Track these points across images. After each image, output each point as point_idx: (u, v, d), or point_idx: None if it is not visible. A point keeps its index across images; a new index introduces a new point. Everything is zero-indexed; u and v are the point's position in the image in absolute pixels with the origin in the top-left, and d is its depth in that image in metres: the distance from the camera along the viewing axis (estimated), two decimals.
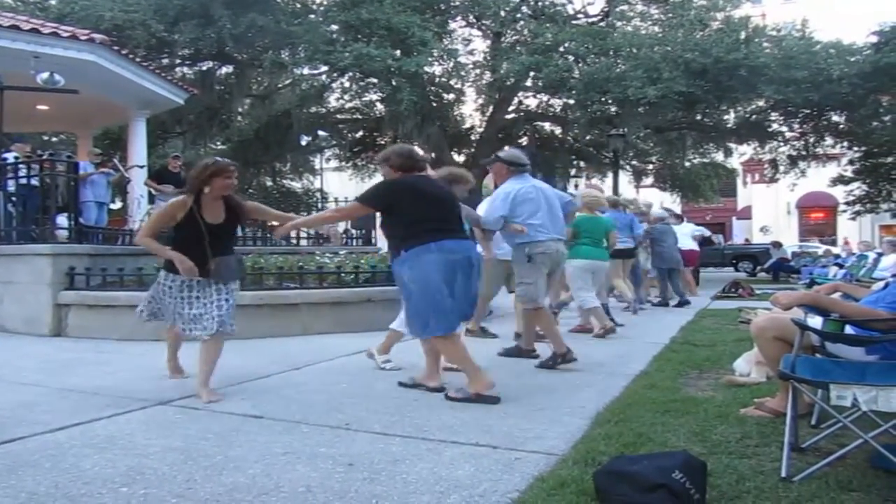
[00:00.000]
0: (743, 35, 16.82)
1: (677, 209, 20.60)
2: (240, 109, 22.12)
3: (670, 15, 18.34)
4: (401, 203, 4.11)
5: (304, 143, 21.49)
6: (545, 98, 21.11)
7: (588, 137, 21.66)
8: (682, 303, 10.68)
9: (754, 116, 20.43)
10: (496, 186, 5.65)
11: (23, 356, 5.75)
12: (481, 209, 7.02)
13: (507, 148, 6.04)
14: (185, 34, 16.01)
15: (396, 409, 3.79)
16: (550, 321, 5.42)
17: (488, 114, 21.40)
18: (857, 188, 23.86)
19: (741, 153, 25.04)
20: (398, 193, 4.15)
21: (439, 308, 3.95)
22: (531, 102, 21.94)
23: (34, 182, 8.21)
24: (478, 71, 19.99)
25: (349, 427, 3.42)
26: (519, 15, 18.91)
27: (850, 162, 22.93)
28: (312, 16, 18.24)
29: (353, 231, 14.73)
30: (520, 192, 5.23)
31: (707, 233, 17.47)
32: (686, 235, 12.65)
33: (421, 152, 4.44)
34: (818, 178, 24.64)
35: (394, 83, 16.84)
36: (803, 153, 21.95)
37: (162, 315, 4.46)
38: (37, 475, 2.69)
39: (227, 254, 4.29)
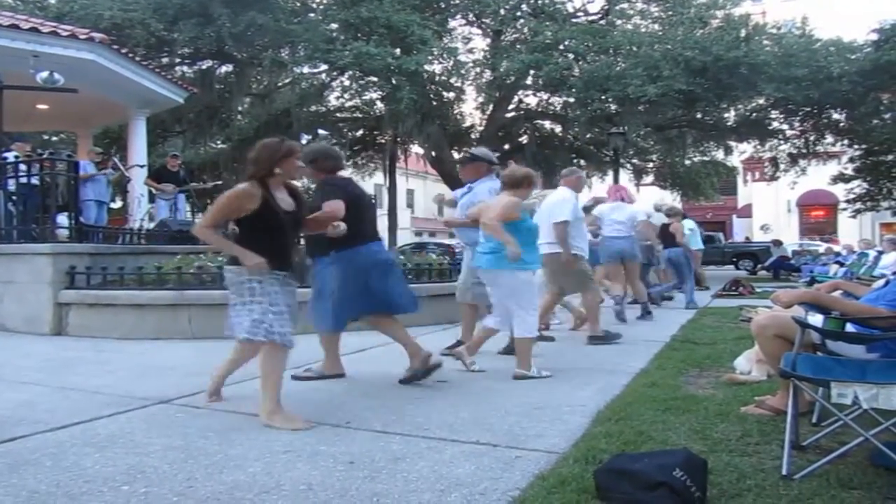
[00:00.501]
0: (743, 33, 16.81)
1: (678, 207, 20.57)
2: (239, 108, 22.10)
3: (670, 13, 18.34)
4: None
5: (304, 141, 21.45)
6: (545, 96, 21.09)
7: (588, 136, 21.66)
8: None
9: (754, 114, 20.42)
10: (465, 184, 5.83)
11: (23, 355, 5.75)
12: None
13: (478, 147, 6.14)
14: (185, 33, 16.00)
15: (397, 408, 3.79)
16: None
17: (488, 112, 21.39)
18: (858, 186, 23.85)
19: (741, 151, 25.03)
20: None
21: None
22: (531, 101, 21.93)
23: (34, 181, 8.20)
24: (478, 69, 19.98)
25: (349, 425, 3.42)
26: (519, 13, 18.90)
27: (851, 160, 22.93)
28: (312, 14, 18.24)
29: None
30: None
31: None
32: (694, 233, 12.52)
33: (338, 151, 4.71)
34: (818, 176, 24.63)
35: (394, 82, 16.83)
36: (803, 151, 21.95)
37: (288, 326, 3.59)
38: (38, 474, 2.69)
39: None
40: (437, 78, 19.10)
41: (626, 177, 23.90)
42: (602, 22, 19.30)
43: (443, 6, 19.45)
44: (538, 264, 5.27)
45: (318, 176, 4.41)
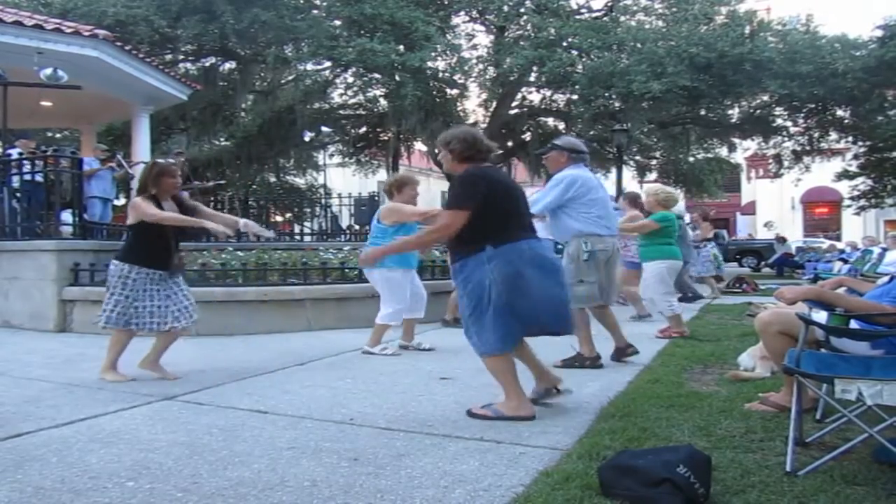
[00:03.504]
0: (747, 29, 16.79)
1: (681, 204, 20.56)
2: (243, 105, 22.14)
3: (674, 9, 18.31)
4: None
5: (307, 138, 21.49)
6: (549, 93, 21.08)
7: (592, 132, 21.61)
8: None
9: (758, 111, 20.39)
10: (549, 177, 5.41)
11: (28, 351, 5.77)
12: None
13: (564, 136, 5.79)
14: (188, 30, 16.03)
15: (401, 405, 3.80)
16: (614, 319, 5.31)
17: (491, 109, 21.37)
18: (862, 183, 23.79)
19: (745, 148, 25.01)
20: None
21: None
22: (535, 98, 21.92)
23: (38, 178, 8.22)
24: (481, 66, 19.96)
25: (353, 422, 3.43)
26: (522, 9, 18.88)
27: (855, 157, 22.87)
28: (316, 11, 18.24)
29: (356, 226, 14.75)
30: (584, 180, 4.97)
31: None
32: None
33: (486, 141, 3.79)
34: (822, 173, 24.58)
35: (397, 78, 16.84)
36: (808, 148, 21.91)
37: (135, 318, 4.52)
38: (43, 469, 2.70)
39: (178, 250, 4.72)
40: (440, 74, 19.10)
41: (629, 174, 23.88)
42: (606, 18, 19.28)
43: (446, 2, 19.45)
44: (406, 264, 5.70)
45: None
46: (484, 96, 21.54)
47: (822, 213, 37.70)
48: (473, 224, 3.41)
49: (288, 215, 24.06)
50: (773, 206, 37.70)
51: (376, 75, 18.10)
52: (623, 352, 5.20)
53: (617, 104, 18.14)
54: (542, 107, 21.91)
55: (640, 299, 7.87)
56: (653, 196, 6.90)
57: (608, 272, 5.14)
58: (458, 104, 21.66)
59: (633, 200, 8.22)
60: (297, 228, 19.48)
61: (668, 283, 6.63)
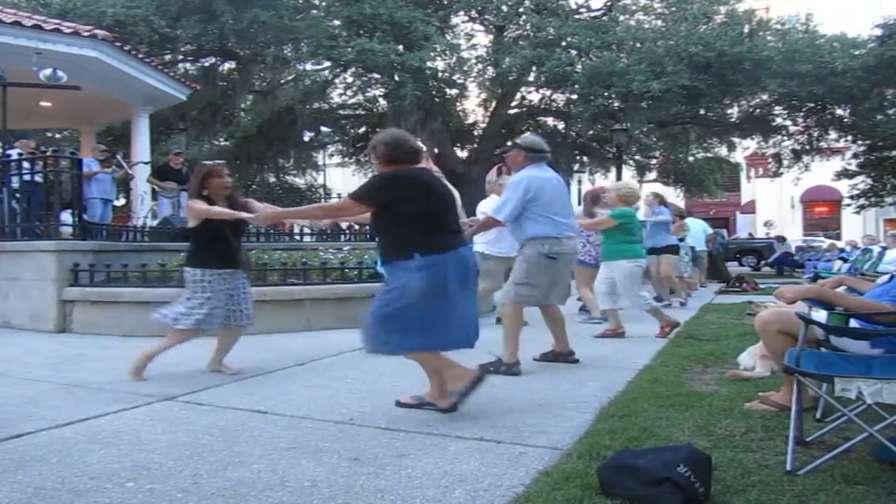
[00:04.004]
0: (747, 28, 16.80)
1: (681, 204, 20.58)
2: (242, 105, 22.14)
3: (673, 9, 18.31)
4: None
5: (306, 138, 21.48)
6: (548, 93, 21.08)
7: (591, 132, 21.65)
8: None
9: (758, 110, 20.39)
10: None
11: (28, 352, 5.77)
12: (486, 205, 7.03)
13: (527, 134, 5.63)
14: (188, 30, 16.03)
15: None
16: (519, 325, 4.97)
17: (491, 109, 21.38)
18: (862, 182, 23.79)
19: (745, 147, 25.00)
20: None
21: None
22: (534, 97, 21.92)
23: (38, 178, 8.22)
24: (480, 66, 19.98)
25: (353, 422, 3.43)
26: (521, 9, 18.88)
27: (855, 156, 22.87)
28: (315, 11, 18.23)
29: (357, 226, 14.72)
30: (541, 180, 4.84)
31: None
32: (697, 233, 12.49)
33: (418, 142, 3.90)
34: (822, 173, 24.58)
35: (397, 78, 16.84)
36: (807, 147, 21.91)
37: (213, 319, 4.63)
38: (43, 470, 2.70)
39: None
40: (439, 74, 19.10)
41: (629, 174, 23.88)
42: (605, 18, 19.28)
43: (445, 3, 19.45)
44: None
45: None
46: (483, 96, 21.57)
47: (821, 212, 37.73)
48: (400, 229, 3.45)
49: None
50: (772, 206, 37.74)
51: (376, 75, 18.10)
52: (560, 356, 5.02)
53: (616, 104, 18.14)
54: (542, 106, 21.91)
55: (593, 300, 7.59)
56: (613, 191, 6.80)
57: (561, 273, 5.02)
58: (458, 104, 21.69)
59: (595, 197, 8.01)
60: (296, 228, 19.48)
61: (638, 281, 6.62)
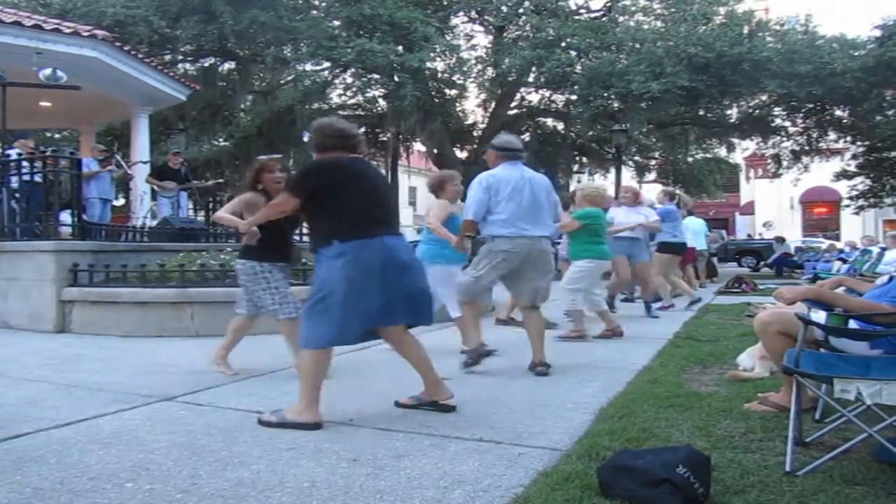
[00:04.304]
0: (746, 29, 16.81)
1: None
2: (242, 106, 22.14)
3: (673, 9, 18.32)
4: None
5: (306, 139, 21.38)
6: (548, 93, 21.10)
7: (591, 133, 21.66)
8: (627, 300, 10.83)
9: (757, 111, 20.41)
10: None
11: (27, 352, 5.76)
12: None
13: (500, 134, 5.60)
14: (187, 30, 16.03)
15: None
16: (475, 318, 5.09)
17: (491, 110, 21.40)
18: (861, 183, 23.82)
19: (744, 148, 25.02)
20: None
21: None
22: (533, 98, 21.94)
23: (37, 178, 8.21)
24: (480, 66, 19.99)
25: (352, 423, 3.43)
26: (521, 10, 18.90)
27: (854, 157, 22.89)
28: (315, 11, 18.24)
29: None
30: (500, 178, 4.85)
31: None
32: (699, 232, 12.44)
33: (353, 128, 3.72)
34: (821, 173, 24.60)
35: (396, 79, 16.84)
36: (806, 148, 21.93)
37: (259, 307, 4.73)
38: (42, 471, 2.70)
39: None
40: (439, 75, 19.12)
41: (628, 174, 23.90)
42: (605, 18, 19.29)
43: (445, 3, 19.47)
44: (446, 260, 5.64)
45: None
46: (483, 97, 21.59)
47: (820, 212, 37.76)
48: (321, 217, 3.46)
49: None
50: (771, 206, 37.77)
51: (375, 76, 18.09)
52: (536, 366, 4.82)
53: (616, 104, 18.15)
54: (542, 107, 21.92)
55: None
56: (580, 192, 6.82)
57: (522, 271, 4.89)
58: (458, 104, 21.70)
59: (571, 197, 7.94)
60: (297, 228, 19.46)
61: (588, 282, 6.52)
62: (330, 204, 3.39)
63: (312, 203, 3.47)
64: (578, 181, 24.49)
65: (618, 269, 8.44)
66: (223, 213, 4.74)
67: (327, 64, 18.78)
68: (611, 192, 12.29)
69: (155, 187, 12.04)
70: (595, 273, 6.59)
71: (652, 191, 23.51)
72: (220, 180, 15.14)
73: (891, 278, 3.65)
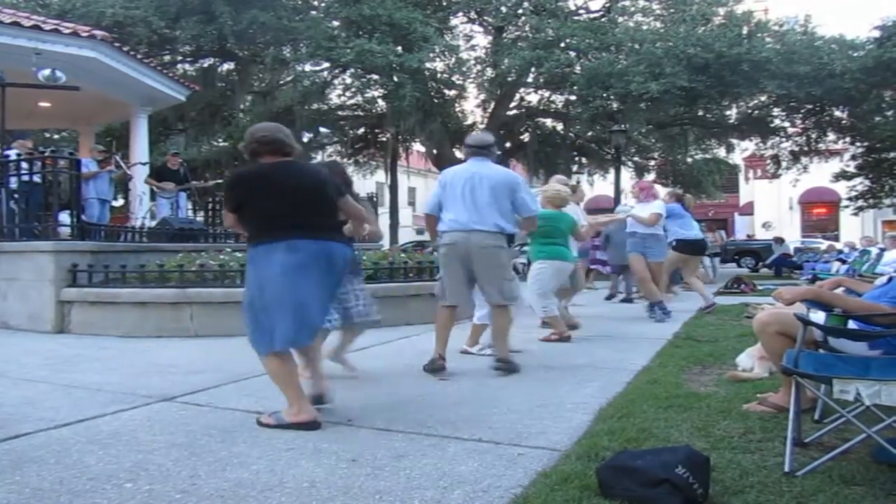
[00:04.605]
0: (745, 30, 16.82)
1: None
2: (241, 106, 22.13)
3: (672, 10, 18.34)
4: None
5: (305, 139, 21.48)
6: (547, 94, 21.12)
7: (590, 133, 21.66)
8: (626, 300, 10.93)
9: (756, 112, 20.42)
10: (548, 177, 5.59)
11: (27, 353, 5.76)
12: None
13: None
14: (187, 31, 16.03)
15: (398, 405, 3.80)
16: (445, 325, 4.93)
17: (490, 110, 21.40)
18: (860, 183, 23.84)
19: (743, 149, 25.03)
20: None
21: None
22: (533, 98, 21.96)
23: (36, 179, 8.21)
24: (479, 67, 20.00)
25: (352, 423, 3.43)
26: (520, 10, 18.92)
27: (853, 157, 22.92)
28: (314, 12, 18.25)
29: None
30: (451, 175, 4.94)
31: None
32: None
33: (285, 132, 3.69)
34: (820, 174, 24.62)
35: (395, 79, 16.85)
36: (805, 148, 21.95)
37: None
38: (41, 471, 2.69)
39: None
40: (438, 75, 19.13)
41: (627, 174, 23.91)
42: (604, 19, 19.31)
43: (444, 4, 19.48)
44: None
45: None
46: (482, 97, 21.59)
47: (820, 213, 37.77)
48: (246, 224, 3.55)
49: None
50: (771, 207, 37.79)
51: (374, 76, 18.10)
52: (501, 362, 4.79)
53: (615, 105, 18.16)
54: (541, 107, 21.94)
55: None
56: (542, 194, 6.73)
57: (476, 269, 4.82)
58: (457, 105, 21.70)
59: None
60: None
61: (546, 284, 6.42)
62: (247, 212, 3.50)
63: (239, 213, 3.55)
64: (578, 182, 24.48)
65: (634, 268, 8.45)
66: None
67: (326, 64, 18.79)
68: (609, 192, 12.24)
69: (154, 188, 12.04)
70: (551, 273, 6.45)
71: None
72: (220, 181, 15.14)
73: (890, 279, 3.65)
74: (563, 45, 17.67)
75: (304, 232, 3.42)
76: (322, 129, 21.51)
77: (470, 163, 4.95)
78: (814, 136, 21.34)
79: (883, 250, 13.04)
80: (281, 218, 3.42)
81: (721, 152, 24.82)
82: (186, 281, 7.06)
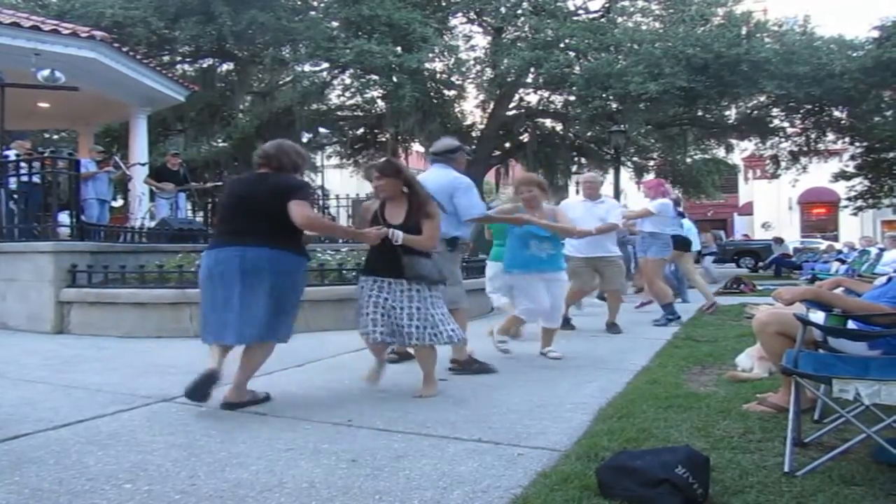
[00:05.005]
0: (744, 30, 16.81)
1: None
2: (241, 106, 22.10)
3: (671, 10, 18.34)
4: None
5: (305, 140, 21.46)
6: (546, 94, 21.11)
7: (589, 134, 21.65)
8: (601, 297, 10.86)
9: (756, 112, 20.42)
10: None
11: (26, 353, 5.75)
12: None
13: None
14: (186, 31, 16.02)
15: (398, 406, 3.80)
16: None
17: (489, 110, 21.38)
18: (859, 184, 23.84)
19: (742, 149, 25.02)
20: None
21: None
22: (532, 99, 21.95)
23: (36, 179, 8.21)
24: (478, 67, 19.98)
25: (351, 423, 3.43)
26: (520, 10, 18.90)
27: (852, 157, 22.91)
28: (313, 12, 18.24)
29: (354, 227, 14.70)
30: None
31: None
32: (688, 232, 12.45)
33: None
34: (820, 174, 24.62)
35: (395, 79, 16.84)
36: (805, 149, 21.95)
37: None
38: (40, 472, 2.69)
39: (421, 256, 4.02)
40: (438, 76, 19.12)
41: (626, 175, 23.91)
42: (603, 19, 19.30)
43: (444, 4, 19.46)
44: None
45: None
46: (481, 97, 21.56)
47: (819, 213, 37.76)
48: None
49: None
50: (770, 207, 37.78)
51: (374, 76, 18.08)
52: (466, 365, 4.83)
53: (614, 105, 18.16)
54: (540, 108, 21.92)
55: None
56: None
57: None
58: (456, 105, 21.68)
59: None
60: None
61: (496, 281, 6.66)
62: None
63: None
64: (577, 182, 24.43)
65: (642, 270, 8.48)
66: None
67: (326, 65, 18.78)
68: (609, 192, 12.26)
69: (153, 188, 12.04)
70: (491, 274, 6.90)
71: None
72: (219, 181, 15.13)
73: (889, 279, 3.66)
74: (562, 45, 17.67)
75: (224, 238, 3.79)
76: (321, 130, 21.49)
77: (429, 169, 5.03)
78: (813, 136, 21.34)
79: (882, 250, 13.05)
80: (219, 224, 3.91)
81: (720, 152, 24.81)
82: (186, 281, 7.05)
